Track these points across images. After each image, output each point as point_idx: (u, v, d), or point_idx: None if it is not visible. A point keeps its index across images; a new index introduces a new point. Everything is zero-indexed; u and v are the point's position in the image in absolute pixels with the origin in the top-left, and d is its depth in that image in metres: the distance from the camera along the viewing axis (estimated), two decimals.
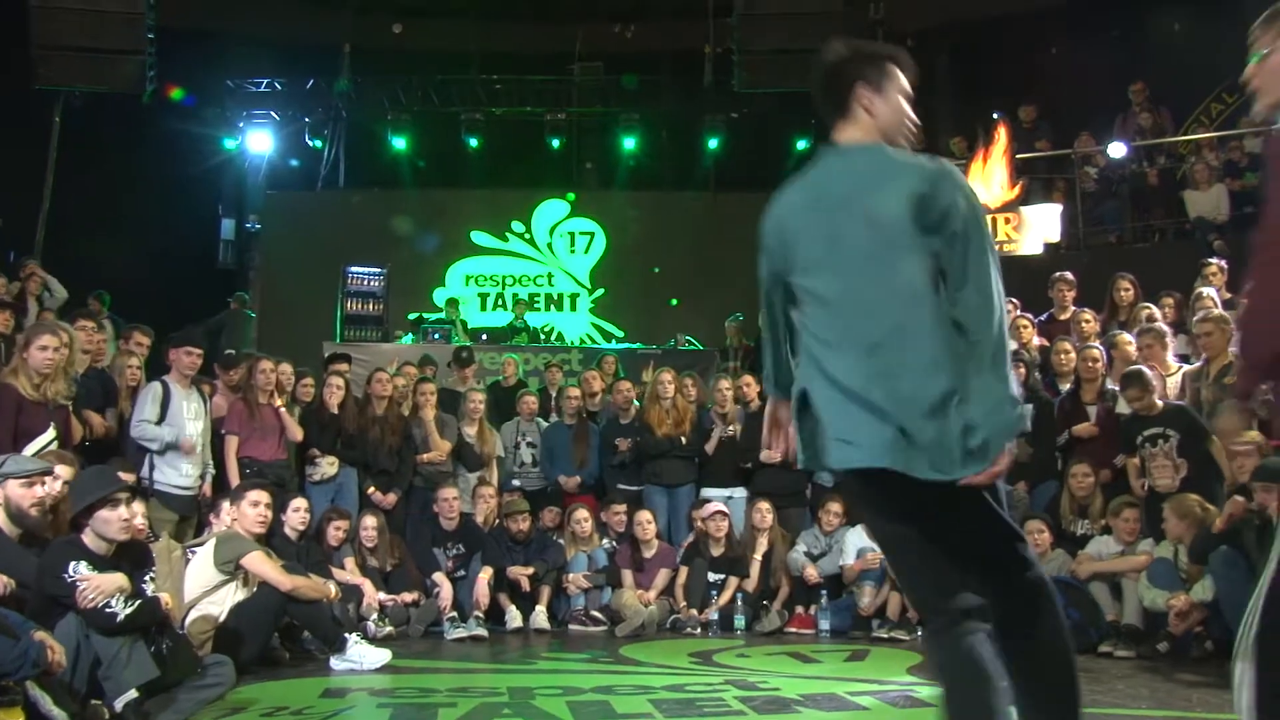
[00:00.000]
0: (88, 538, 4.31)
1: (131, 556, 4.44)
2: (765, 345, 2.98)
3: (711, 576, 7.61)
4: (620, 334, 15.50)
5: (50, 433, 5.85)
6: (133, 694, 4.06)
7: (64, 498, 4.73)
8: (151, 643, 4.22)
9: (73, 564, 4.15)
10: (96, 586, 4.10)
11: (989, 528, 2.62)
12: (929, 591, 2.66)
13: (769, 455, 8.72)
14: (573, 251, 16.32)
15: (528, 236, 16.29)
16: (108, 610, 4.09)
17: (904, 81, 2.79)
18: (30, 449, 5.47)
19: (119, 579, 4.19)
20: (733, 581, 7.56)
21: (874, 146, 2.72)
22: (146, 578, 4.41)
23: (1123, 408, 7.03)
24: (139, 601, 4.21)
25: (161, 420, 6.74)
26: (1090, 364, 7.33)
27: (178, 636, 4.56)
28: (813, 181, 2.78)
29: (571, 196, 16.42)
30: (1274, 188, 2.71)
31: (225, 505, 6.32)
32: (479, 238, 16.19)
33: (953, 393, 2.50)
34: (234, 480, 7.05)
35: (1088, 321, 8.21)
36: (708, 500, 7.98)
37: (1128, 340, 7.56)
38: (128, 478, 5.74)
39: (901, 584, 3.82)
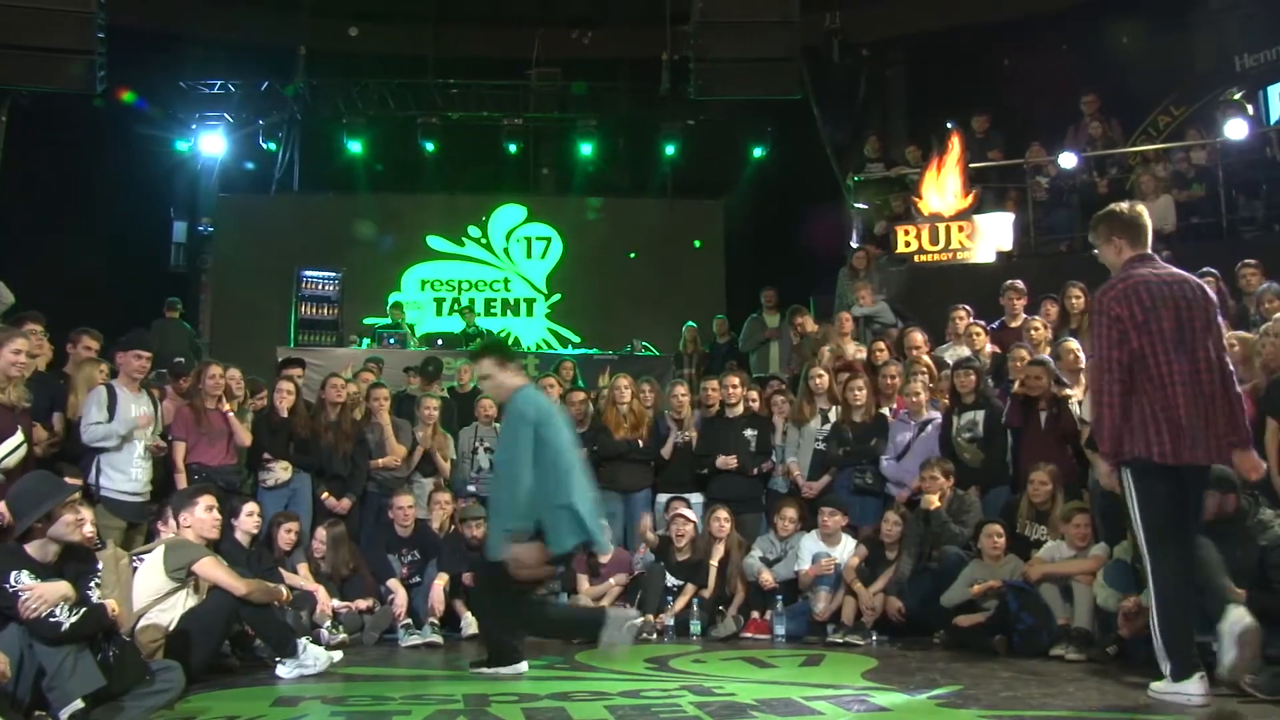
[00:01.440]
0: (31, 546, 4.22)
1: (75, 563, 4.34)
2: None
3: (670, 581, 7.60)
4: (577, 339, 15.49)
5: (18, 436, 5.75)
6: (79, 704, 3.97)
7: None
8: (97, 651, 4.13)
9: (14, 574, 4.05)
10: (40, 596, 4.01)
11: None
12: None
13: (725, 461, 8.69)
14: (529, 257, 16.29)
15: (484, 241, 16.24)
16: (52, 620, 4.00)
17: None
18: None
19: (63, 587, 4.10)
20: (689, 587, 7.54)
21: None
22: (91, 584, 4.31)
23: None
24: (84, 609, 4.11)
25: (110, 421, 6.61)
26: (1035, 380, 7.31)
27: (124, 644, 4.45)
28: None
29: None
30: (1092, 333, 3.96)
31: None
32: (435, 242, 16.11)
33: None
34: (181, 486, 6.95)
35: (1037, 329, 8.32)
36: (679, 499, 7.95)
37: (1074, 347, 7.65)
38: (75, 483, 5.65)
39: None
